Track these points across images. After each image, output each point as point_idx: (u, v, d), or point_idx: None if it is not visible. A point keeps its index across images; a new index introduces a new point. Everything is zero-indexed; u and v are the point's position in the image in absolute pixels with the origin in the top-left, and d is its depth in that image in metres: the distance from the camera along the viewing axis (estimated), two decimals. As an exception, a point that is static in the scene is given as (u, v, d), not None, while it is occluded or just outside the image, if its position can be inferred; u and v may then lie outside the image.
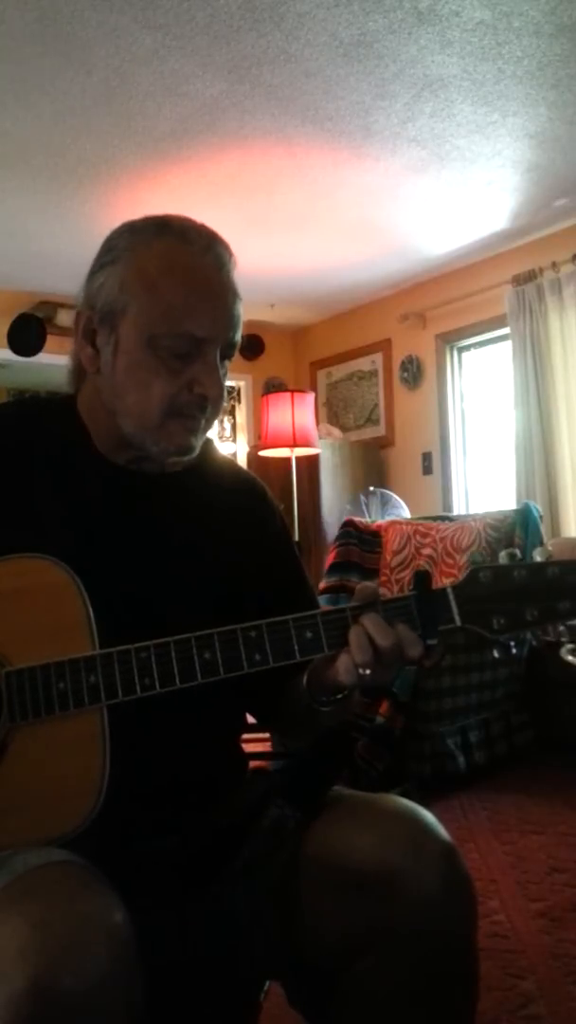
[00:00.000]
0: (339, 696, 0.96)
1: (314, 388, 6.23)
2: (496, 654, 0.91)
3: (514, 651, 0.90)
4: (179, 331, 0.95)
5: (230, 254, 1.00)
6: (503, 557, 0.92)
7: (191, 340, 0.96)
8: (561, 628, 0.89)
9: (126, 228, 1.00)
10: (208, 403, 0.98)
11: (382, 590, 0.95)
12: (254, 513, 1.13)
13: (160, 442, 0.99)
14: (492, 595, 0.90)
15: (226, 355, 1.00)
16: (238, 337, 1.01)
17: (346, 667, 0.89)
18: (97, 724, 0.87)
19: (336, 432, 5.82)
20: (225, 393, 1.02)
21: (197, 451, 1.02)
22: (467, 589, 0.90)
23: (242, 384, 6.41)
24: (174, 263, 0.96)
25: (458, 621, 0.90)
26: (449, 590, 0.91)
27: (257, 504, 1.14)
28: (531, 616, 0.89)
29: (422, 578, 0.92)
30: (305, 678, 0.97)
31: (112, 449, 1.03)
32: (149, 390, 0.97)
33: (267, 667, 0.89)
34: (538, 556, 0.91)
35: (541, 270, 4.60)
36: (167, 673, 0.87)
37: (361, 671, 0.88)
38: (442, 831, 0.90)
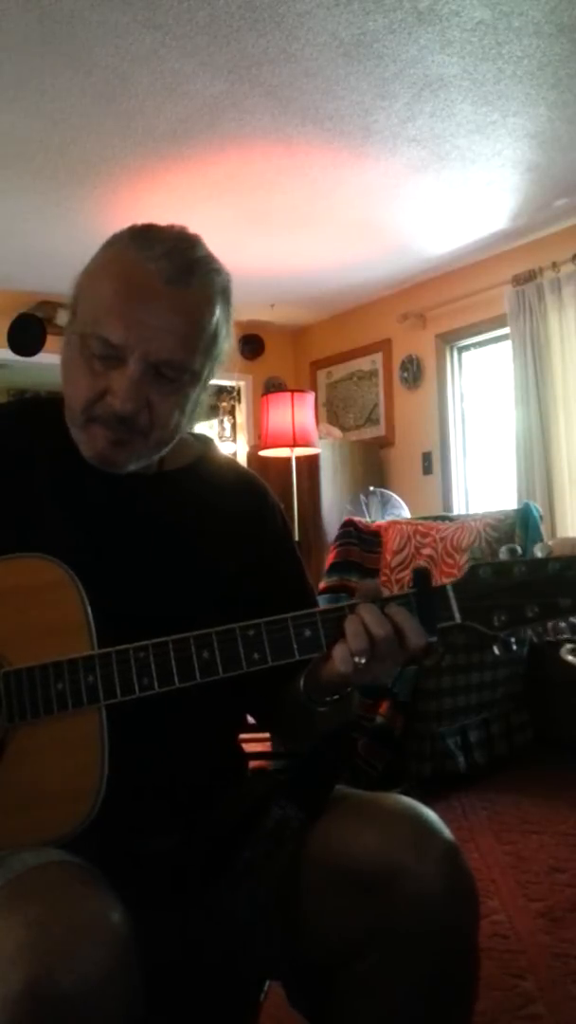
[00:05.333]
0: (336, 697, 0.96)
1: (314, 388, 6.22)
2: (497, 651, 0.90)
3: (515, 648, 0.90)
4: (97, 332, 0.93)
5: (194, 273, 0.94)
6: (503, 553, 0.91)
7: (107, 344, 0.92)
8: (562, 624, 0.89)
9: (115, 233, 1.00)
10: (120, 416, 0.93)
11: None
12: (254, 512, 1.13)
13: (83, 444, 0.97)
14: (492, 591, 0.89)
15: (164, 374, 0.94)
16: (182, 358, 0.94)
17: (342, 655, 0.88)
18: (95, 724, 0.87)
19: (336, 432, 5.81)
20: (154, 415, 0.94)
21: (125, 468, 0.98)
22: (467, 586, 0.90)
23: (242, 384, 6.39)
24: (116, 265, 0.95)
25: (458, 618, 0.89)
26: (449, 587, 0.90)
27: (257, 503, 1.14)
28: (532, 612, 0.88)
29: (421, 575, 0.92)
30: (303, 678, 0.96)
31: None
32: (75, 388, 0.96)
33: (266, 666, 0.89)
34: (538, 552, 0.90)
35: (541, 270, 4.60)
36: (165, 673, 0.87)
37: (356, 660, 0.87)
38: (445, 830, 0.90)
